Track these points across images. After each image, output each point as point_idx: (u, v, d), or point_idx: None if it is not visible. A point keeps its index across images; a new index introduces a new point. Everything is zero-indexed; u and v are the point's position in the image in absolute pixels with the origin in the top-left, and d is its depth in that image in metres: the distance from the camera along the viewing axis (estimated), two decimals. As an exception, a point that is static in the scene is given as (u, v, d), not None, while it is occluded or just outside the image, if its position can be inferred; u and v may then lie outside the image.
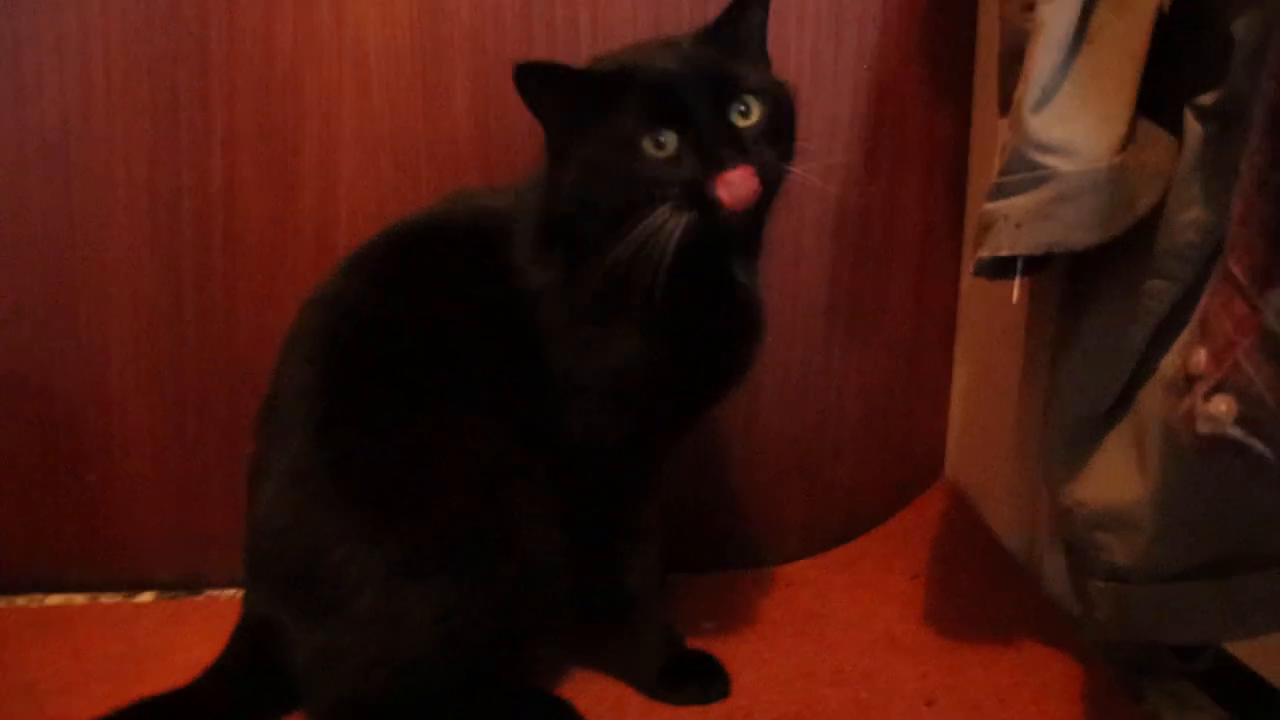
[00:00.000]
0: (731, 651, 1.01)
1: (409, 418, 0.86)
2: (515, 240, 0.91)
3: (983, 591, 1.10)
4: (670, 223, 0.80)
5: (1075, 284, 0.94)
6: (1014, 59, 0.92)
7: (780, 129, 0.86)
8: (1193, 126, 0.81)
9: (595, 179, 0.84)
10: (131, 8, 1.06)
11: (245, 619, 0.91)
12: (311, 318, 0.92)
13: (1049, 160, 0.82)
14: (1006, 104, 0.94)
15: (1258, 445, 0.64)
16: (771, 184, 0.84)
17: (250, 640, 0.90)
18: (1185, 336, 0.76)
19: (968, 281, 0.91)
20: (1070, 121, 0.82)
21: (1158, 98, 0.85)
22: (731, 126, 0.83)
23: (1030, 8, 0.89)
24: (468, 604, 0.83)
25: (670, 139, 0.82)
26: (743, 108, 0.84)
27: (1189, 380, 0.72)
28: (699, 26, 0.89)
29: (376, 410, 0.86)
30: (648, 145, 0.82)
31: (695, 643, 1.01)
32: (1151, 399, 0.87)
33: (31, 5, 1.05)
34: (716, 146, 0.81)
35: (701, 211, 0.81)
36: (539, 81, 0.84)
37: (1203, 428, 0.68)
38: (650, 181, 0.81)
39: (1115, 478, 0.89)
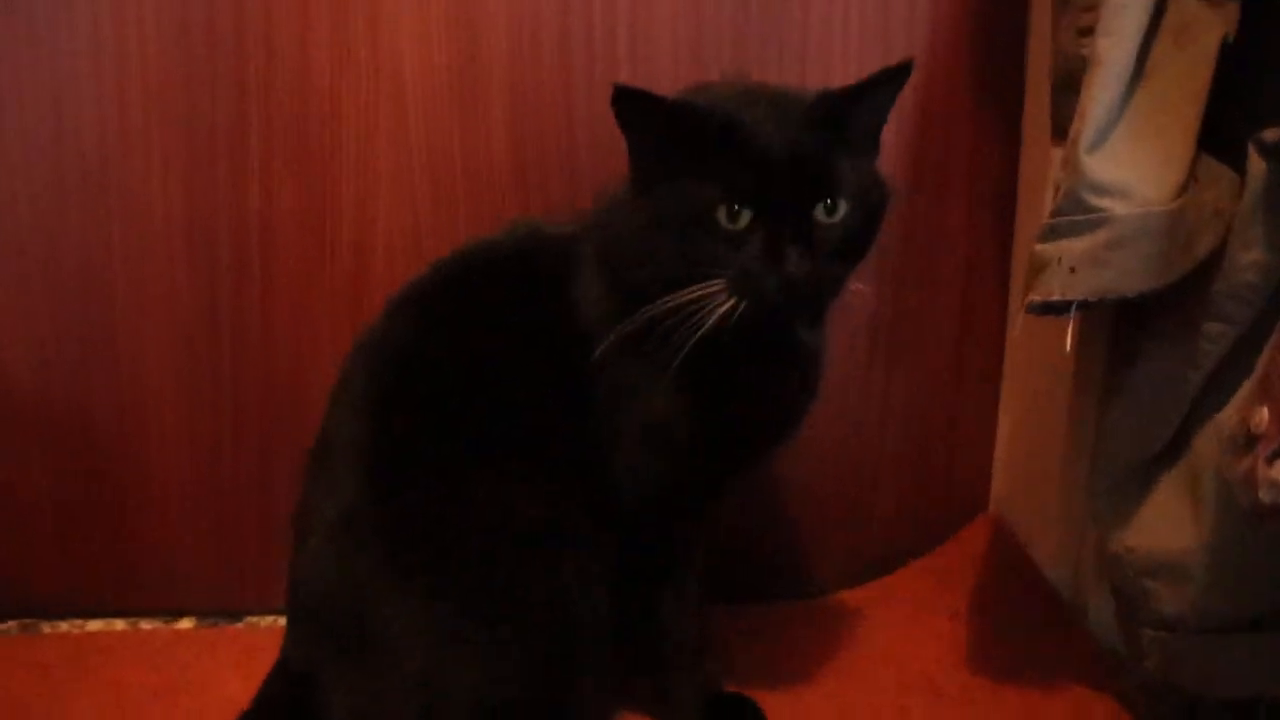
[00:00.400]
0: (768, 691, 0.99)
1: (460, 471, 0.84)
2: (577, 272, 0.88)
3: (1025, 632, 1.08)
4: (715, 301, 0.77)
5: (1128, 323, 0.91)
6: (1067, 85, 0.90)
7: (863, 228, 0.82)
8: (1256, 163, 0.78)
9: (661, 224, 0.80)
10: (169, 41, 1.06)
11: (282, 665, 0.91)
12: (360, 362, 0.90)
13: (1104, 203, 0.80)
14: (1060, 131, 0.92)
15: (1322, 515, 0.62)
16: (829, 292, 0.82)
17: (286, 690, 0.89)
18: (1245, 391, 0.73)
19: (1016, 317, 0.88)
20: (1127, 162, 0.80)
21: (1221, 132, 0.82)
22: (811, 222, 0.79)
23: (1085, 33, 0.86)
24: (515, 668, 0.82)
25: (745, 217, 0.77)
26: (829, 203, 0.79)
27: (1250, 439, 0.70)
28: (823, 89, 0.82)
29: (427, 464, 0.85)
30: (721, 214, 0.77)
31: (733, 681, 1.00)
32: (1206, 445, 0.84)
33: (71, 44, 1.05)
34: (785, 245, 0.77)
35: (751, 301, 0.77)
36: (633, 110, 0.80)
37: (1266, 496, 0.66)
38: (710, 253, 0.78)
39: (1167, 525, 0.87)
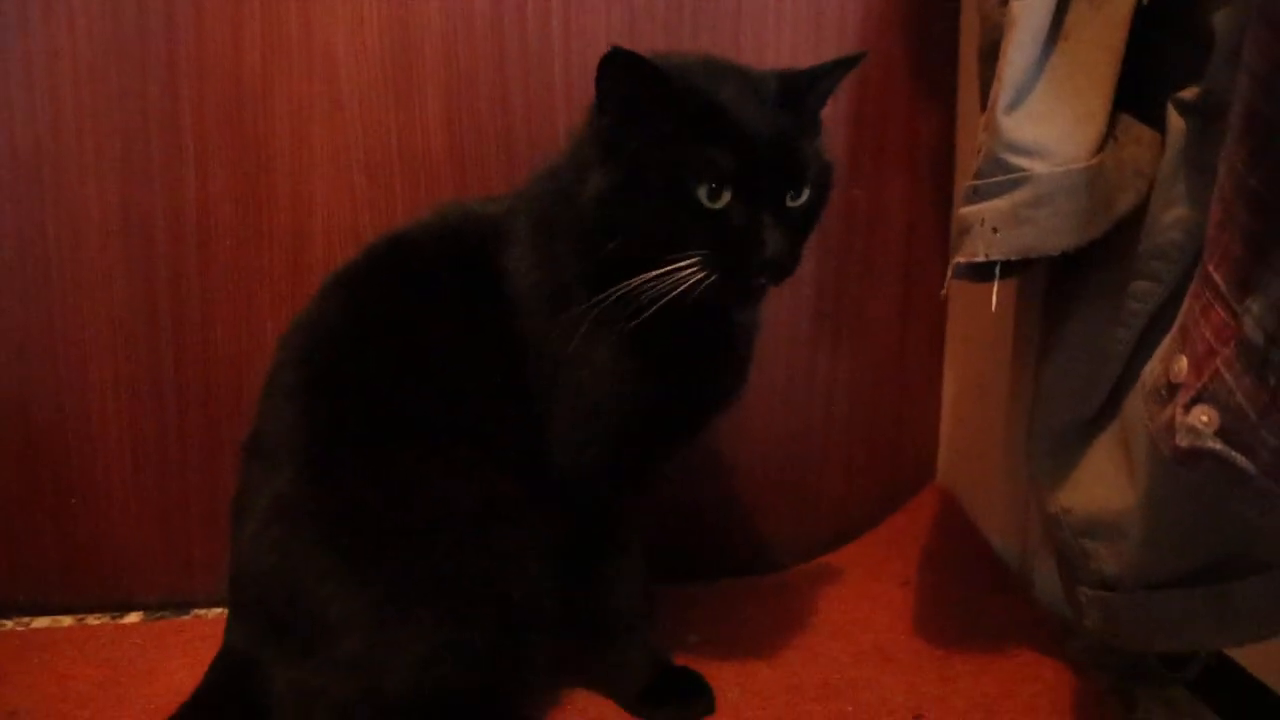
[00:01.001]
0: (717, 665, 0.99)
1: (394, 451, 0.84)
2: (508, 241, 0.88)
3: (974, 599, 1.09)
4: (694, 277, 0.78)
5: (1059, 285, 0.92)
6: (992, 55, 0.90)
7: (816, 209, 0.85)
8: (1175, 122, 0.79)
9: (631, 195, 0.80)
10: (99, 27, 1.05)
11: (225, 652, 0.90)
12: (291, 348, 0.90)
13: (1023, 162, 0.80)
14: (986, 100, 0.92)
15: (1239, 459, 0.62)
16: (793, 269, 0.83)
17: (229, 674, 0.88)
18: (1167, 342, 0.74)
19: (949, 286, 0.89)
20: (1045, 122, 0.80)
21: (1140, 91, 0.83)
22: (784, 208, 0.81)
23: (1007, 1, 0.87)
24: (454, 645, 0.81)
25: (725, 196, 0.79)
26: (796, 190, 0.82)
27: (1170, 388, 0.71)
28: (779, 69, 0.84)
29: (361, 445, 0.84)
30: (702, 193, 0.78)
31: (681, 656, 1.00)
32: (1137, 405, 0.85)
33: (0, 32, 1.05)
34: (764, 226, 0.79)
35: (726, 278, 0.79)
36: (626, 73, 0.79)
37: (1183, 440, 0.66)
38: (685, 229, 0.78)
39: (1102, 485, 0.87)
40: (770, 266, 0.79)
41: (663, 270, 0.78)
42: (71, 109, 1.06)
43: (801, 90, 0.83)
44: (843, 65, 0.85)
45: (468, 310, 0.87)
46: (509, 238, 0.88)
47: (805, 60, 1.11)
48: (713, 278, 0.78)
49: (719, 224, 0.79)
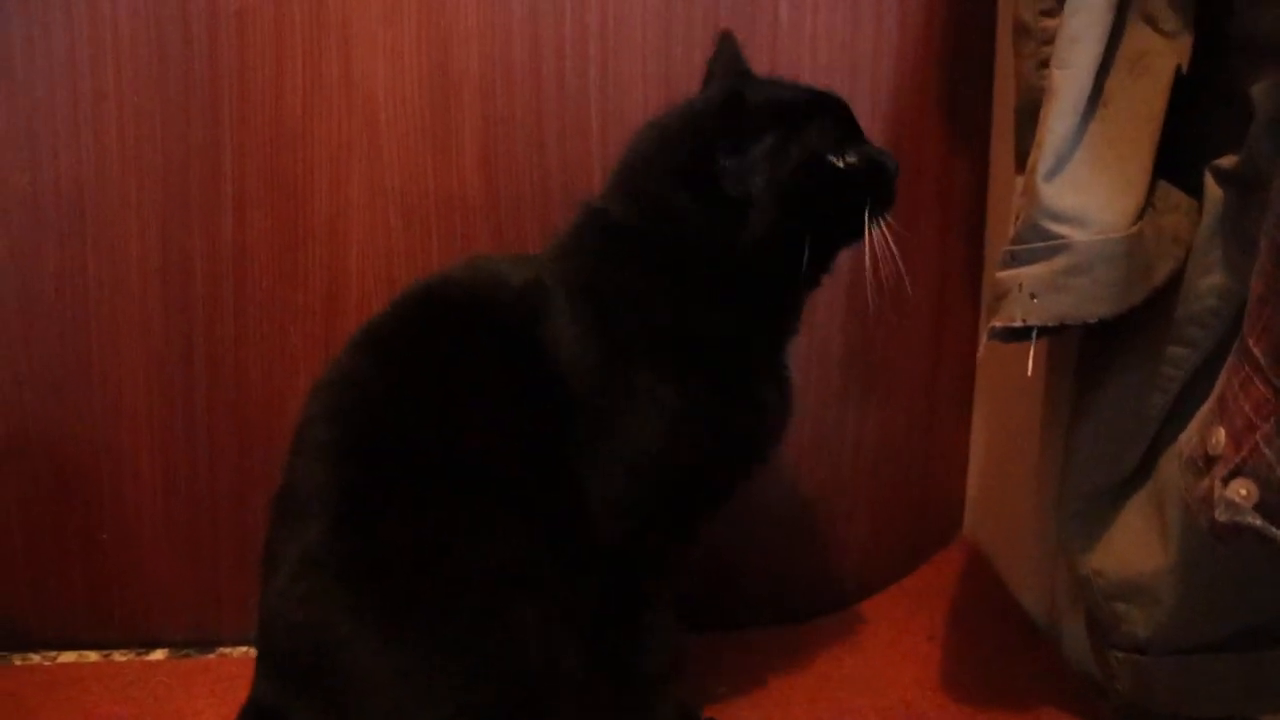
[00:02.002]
0: (744, 716, 0.99)
1: (425, 512, 0.83)
2: (548, 310, 0.88)
3: (1001, 655, 1.08)
4: (876, 224, 0.87)
5: (1093, 348, 0.92)
6: (1029, 116, 0.91)
7: None
8: (1213, 190, 0.79)
9: (798, 206, 0.85)
10: (145, 70, 1.07)
11: (253, 702, 0.89)
12: (322, 404, 0.89)
13: (1063, 230, 0.81)
14: (1022, 161, 0.93)
15: (1279, 535, 0.62)
16: None
17: None
18: (1204, 412, 0.74)
19: (982, 343, 0.90)
20: (1085, 190, 0.81)
21: (1178, 159, 0.84)
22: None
23: (1046, 64, 0.88)
24: (479, 708, 0.81)
25: (849, 153, 0.87)
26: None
27: (1208, 460, 0.71)
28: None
29: (391, 504, 0.84)
30: (835, 160, 0.86)
31: (709, 708, 1.00)
32: (1172, 468, 0.84)
33: (47, 68, 1.06)
34: (879, 153, 0.89)
35: (887, 201, 0.89)
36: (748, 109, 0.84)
37: (1221, 515, 0.66)
38: (849, 195, 0.87)
39: (1135, 548, 0.87)
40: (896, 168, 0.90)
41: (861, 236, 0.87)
42: (115, 150, 1.08)
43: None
44: None
45: (504, 371, 0.87)
46: (549, 303, 0.88)
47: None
48: (882, 208, 0.88)
49: (859, 172, 0.87)
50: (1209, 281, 0.79)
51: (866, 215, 0.87)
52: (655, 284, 0.87)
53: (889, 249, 0.87)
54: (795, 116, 0.86)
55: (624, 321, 0.87)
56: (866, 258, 0.88)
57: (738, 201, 0.84)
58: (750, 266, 0.87)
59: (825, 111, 0.88)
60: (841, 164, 0.86)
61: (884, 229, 0.88)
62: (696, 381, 0.86)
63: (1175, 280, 0.82)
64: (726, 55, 0.95)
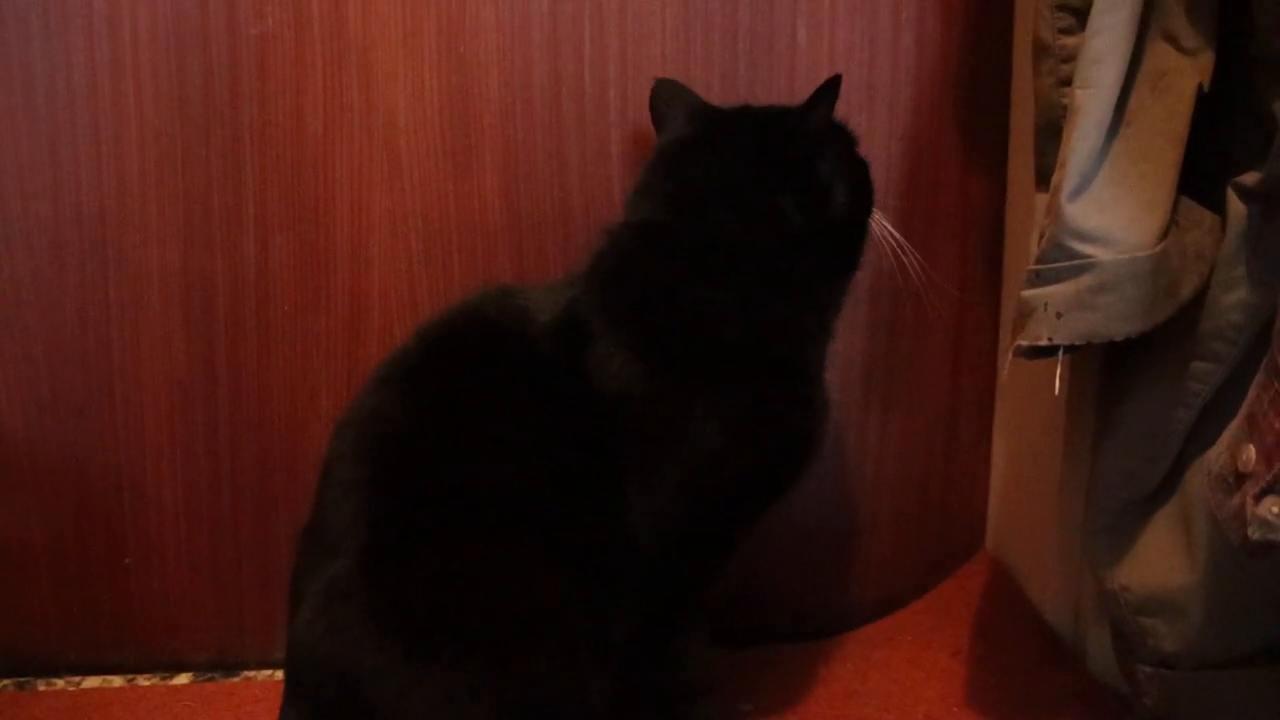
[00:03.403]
0: (771, 734, 1.00)
1: (453, 546, 0.83)
2: (591, 337, 0.89)
3: (1026, 670, 1.08)
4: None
5: (1117, 364, 0.93)
6: (1049, 133, 0.92)
7: None
8: (1236, 206, 0.80)
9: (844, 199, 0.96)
10: (165, 93, 1.08)
11: None
12: (349, 439, 0.89)
13: (1088, 249, 0.81)
14: (1043, 178, 0.93)
15: (1313, 553, 0.63)
16: None
17: None
18: (1233, 428, 0.74)
19: (1005, 359, 0.90)
20: (1109, 209, 0.81)
21: (1200, 176, 0.84)
22: None
23: (1066, 82, 0.88)
24: None
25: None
26: None
27: (1238, 477, 0.71)
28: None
29: (419, 539, 0.83)
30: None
31: (735, 725, 1.01)
32: (1199, 483, 0.85)
33: (68, 91, 1.07)
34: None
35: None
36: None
37: (1254, 534, 0.67)
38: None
39: (1162, 562, 0.87)
40: None
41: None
42: (137, 173, 1.08)
43: None
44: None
45: (536, 402, 0.88)
46: (589, 329, 0.89)
47: (859, 124, 1.14)
48: None
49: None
50: (1233, 297, 0.80)
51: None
52: (719, 295, 0.90)
53: (890, 232, 1.00)
54: (837, 128, 0.98)
55: (680, 341, 0.88)
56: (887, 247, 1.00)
57: (828, 196, 0.94)
58: (823, 252, 0.95)
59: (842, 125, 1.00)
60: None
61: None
62: (760, 385, 0.89)
63: (1199, 296, 0.82)
64: (675, 93, 1.02)
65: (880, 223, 0.99)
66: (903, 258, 1.00)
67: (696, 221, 0.93)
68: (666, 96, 1.01)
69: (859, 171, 0.99)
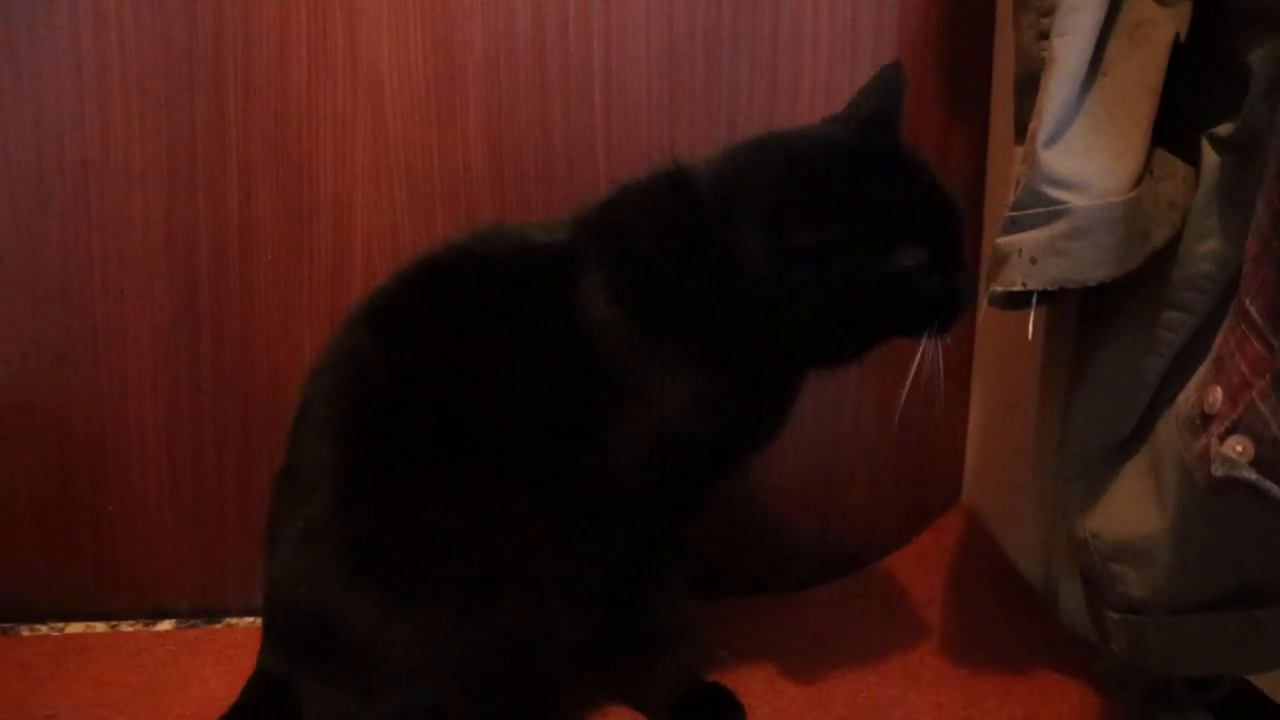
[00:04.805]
0: (745, 681, 1.01)
1: (429, 482, 0.84)
2: (583, 270, 0.88)
3: (999, 620, 1.10)
4: None
5: (1091, 313, 0.94)
6: (1028, 86, 0.92)
7: None
8: (1210, 157, 0.81)
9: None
10: (149, 42, 1.07)
11: (260, 673, 0.89)
12: (324, 383, 0.89)
13: (1062, 195, 0.82)
14: (1021, 132, 0.94)
15: (1274, 489, 0.64)
16: None
17: (264, 693, 0.88)
18: (1201, 372, 0.76)
19: (983, 311, 0.91)
20: (1084, 156, 0.82)
21: (1175, 127, 0.85)
22: None
23: (1045, 35, 0.89)
24: (487, 679, 0.82)
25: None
26: None
27: (1205, 419, 0.72)
28: None
29: (395, 476, 0.84)
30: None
31: (711, 673, 1.01)
32: (1169, 431, 0.86)
33: (50, 40, 1.06)
34: None
35: None
36: None
37: (1218, 470, 0.68)
38: None
39: (1132, 509, 0.89)
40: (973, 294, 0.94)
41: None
42: (120, 122, 1.08)
43: None
44: None
45: (518, 334, 0.87)
46: (583, 262, 0.88)
47: (841, 83, 1.14)
48: (943, 330, 0.90)
49: (935, 295, 0.89)
50: (1205, 247, 0.81)
51: (926, 332, 0.88)
52: (699, 293, 0.87)
53: (937, 362, 0.89)
54: (898, 225, 0.84)
55: (662, 299, 0.87)
56: (913, 367, 0.90)
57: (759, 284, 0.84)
58: (788, 344, 0.87)
59: (933, 226, 0.86)
60: (919, 289, 0.85)
61: (938, 345, 0.89)
62: (720, 377, 0.87)
63: (1172, 246, 0.83)
64: (885, 88, 0.92)
65: (934, 353, 0.89)
66: (920, 377, 0.92)
67: (702, 216, 0.88)
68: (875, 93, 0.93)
69: (882, 294, 0.85)
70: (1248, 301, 0.68)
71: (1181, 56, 0.83)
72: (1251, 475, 0.65)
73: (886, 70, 0.93)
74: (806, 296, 0.84)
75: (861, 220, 0.82)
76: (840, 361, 0.90)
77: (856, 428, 1.23)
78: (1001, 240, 0.86)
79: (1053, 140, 0.82)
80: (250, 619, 1.15)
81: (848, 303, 0.85)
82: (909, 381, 0.89)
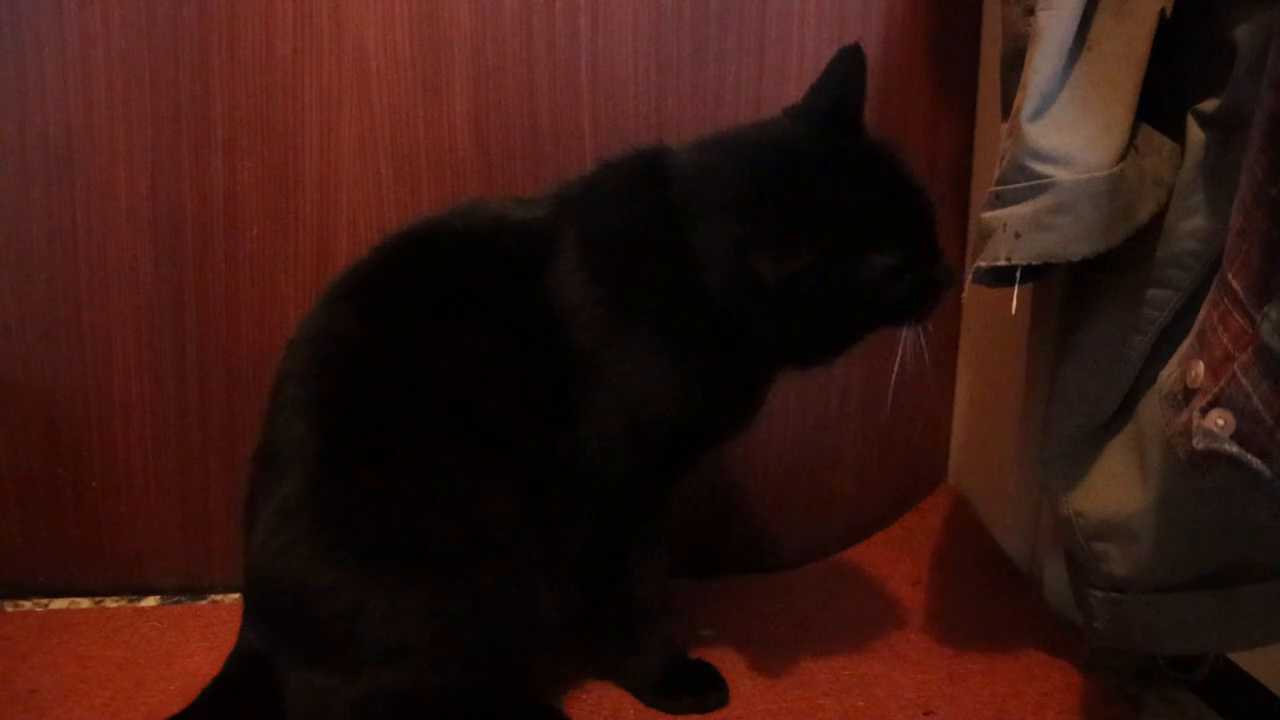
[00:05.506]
0: (730, 659, 1.01)
1: (404, 459, 0.83)
2: (553, 250, 0.88)
3: (983, 599, 1.10)
4: None
5: (1076, 291, 0.94)
6: (1015, 63, 0.92)
7: None
8: (1195, 133, 0.80)
9: None
10: (133, 14, 1.06)
11: (241, 649, 0.90)
12: (300, 359, 0.89)
13: (1047, 169, 0.81)
14: (1008, 109, 0.94)
15: (1255, 462, 0.64)
16: None
17: (246, 668, 0.88)
18: (1184, 347, 0.76)
19: (966, 282, 0.91)
20: (1069, 130, 0.82)
21: (1160, 103, 0.85)
22: None
23: (1031, 10, 0.88)
24: (467, 656, 0.82)
25: None
26: None
27: (1187, 393, 0.72)
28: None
29: (369, 453, 0.84)
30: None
31: (696, 650, 1.01)
32: (1152, 409, 0.86)
33: (34, 13, 1.06)
34: None
35: None
36: None
37: (1199, 443, 0.67)
38: None
39: (1115, 488, 0.89)
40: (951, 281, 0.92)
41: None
42: (104, 95, 1.08)
43: None
44: None
45: (492, 313, 0.87)
46: (559, 241, 0.88)
47: (827, 60, 1.13)
48: (923, 319, 0.90)
49: (912, 291, 0.89)
50: (1190, 224, 0.80)
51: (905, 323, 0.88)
52: (668, 287, 0.86)
53: (921, 347, 0.89)
54: (867, 234, 0.83)
55: (633, 285, 0.87)
56: (898, 353, 0.89)
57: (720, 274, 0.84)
58: (756, 349, 0.87)
59: (904, 225, 0.85)
60: (891, 290, 0.85)
61: (920, 332, 0.89)
62: (690, 368, 0.86)
63: (1156, 223, 0.83)
64: (845, 75, 0.89)
65: (915, 340, 0.89)
66: (904, 362, 0.91)
67: (676, 209, 0.88)
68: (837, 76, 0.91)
69: (855, 297, 0.84)
70: (1230, 275, 0.68)
71: (1167, 32, 0.83)
72: (1233, 448, 0.65)
73: (844, 54, 0.89)
74: (775, 313, 0.84)
75: (830, 239, 0.81)
76: (815, 364, 0.91)
77: (842, 409, 1.23)
78: (986, 215, 0.85)
79: (1038, 114, 0.82)
80: (234, 596, 1.15)
81: (819, 315, 0.85)
82: (896, 367, 0.88)
